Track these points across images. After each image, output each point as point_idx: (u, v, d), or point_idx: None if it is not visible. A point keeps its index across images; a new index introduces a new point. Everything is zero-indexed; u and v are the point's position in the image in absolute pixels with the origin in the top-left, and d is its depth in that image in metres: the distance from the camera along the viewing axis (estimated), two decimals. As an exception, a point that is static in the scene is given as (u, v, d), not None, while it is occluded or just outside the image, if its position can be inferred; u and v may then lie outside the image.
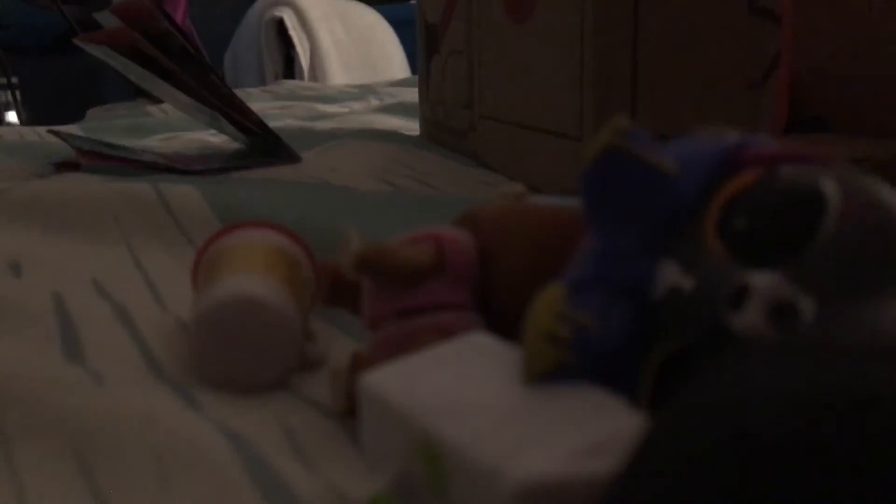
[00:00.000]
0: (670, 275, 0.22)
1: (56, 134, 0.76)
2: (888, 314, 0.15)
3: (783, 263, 0.20)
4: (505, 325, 0.28)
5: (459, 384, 0.23)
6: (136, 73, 0.69)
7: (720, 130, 0.24)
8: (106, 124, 1.09)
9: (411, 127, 1.00)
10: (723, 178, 0.23)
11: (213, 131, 1.01)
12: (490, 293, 0.29)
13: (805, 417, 0.12)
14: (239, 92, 1.45)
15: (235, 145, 0.84)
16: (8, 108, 2.36)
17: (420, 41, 0.90)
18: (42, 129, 1.05)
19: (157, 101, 1.61)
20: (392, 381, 0.24)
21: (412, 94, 1.45)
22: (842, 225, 0.20)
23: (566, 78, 0.50)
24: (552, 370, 0.22)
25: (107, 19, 0.68)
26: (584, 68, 0.47)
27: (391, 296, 0.28)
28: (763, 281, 0.20)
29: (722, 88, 0.47)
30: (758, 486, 0.12)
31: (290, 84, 1.74)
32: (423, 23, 0.89)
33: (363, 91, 1.55)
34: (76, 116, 1.64)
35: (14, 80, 1.74)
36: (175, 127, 1.07)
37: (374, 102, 1.39)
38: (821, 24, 0.53)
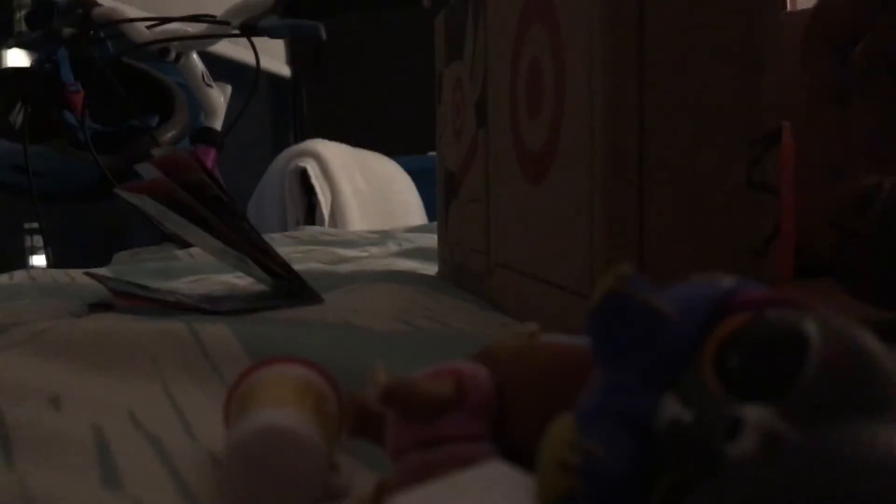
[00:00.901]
0: (671, 408, 0.24)
1: (91, 276, 0.80)
2: (864, 434, 0.17)
3: (773, 397, 0.22)
4: (520, 454, 0.30)
5: (478, 509, 0.25)
6: (171, 220, 0.73)
7: (714, 277, 0.27)
8: (134, 268, 1.13)
9: (429, 270, 1.03)
10: (717, 319, 0.25)
11: (239, 274, 1.05)
12: (506, 424, 0.31)
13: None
14: (264, 237, 1.50)
15: (260, 287, 0.88)
16: (34, 252, 2.43)
17: (439, 186, 0.95)
18: (74, 272, 1.09)
19: (183, 245, 1.67)
20: (415, 505, 0.25)
21: (429, 240, 1.50)
22: (823, 362, 0.22)
23: (577, 239, 0.53)
24: (565, 496, 0.24)
25: (147, 171, 0.73)
26: (594, 233, 0.51)
27: (414, 427, 0.30)
28: (755, 414, 0.22)
29: (726, 255, 0.51)
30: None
31: (311, 230, 1.80)
32: (443, 168, 0.94)
33: (382, 236, 1.60)
34: (102, 261, 1.69)
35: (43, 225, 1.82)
36: (202, 270, 1.11)
37: (393, 247, 1.44)
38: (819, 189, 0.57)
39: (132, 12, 1.86)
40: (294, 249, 1.37)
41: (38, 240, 2.36)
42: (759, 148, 0.51)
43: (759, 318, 0.24)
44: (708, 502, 0.16)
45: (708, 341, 0.25)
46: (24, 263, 2.32)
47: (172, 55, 1.86)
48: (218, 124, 1.99)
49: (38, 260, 2.40)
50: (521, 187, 0.64)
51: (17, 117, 1.72)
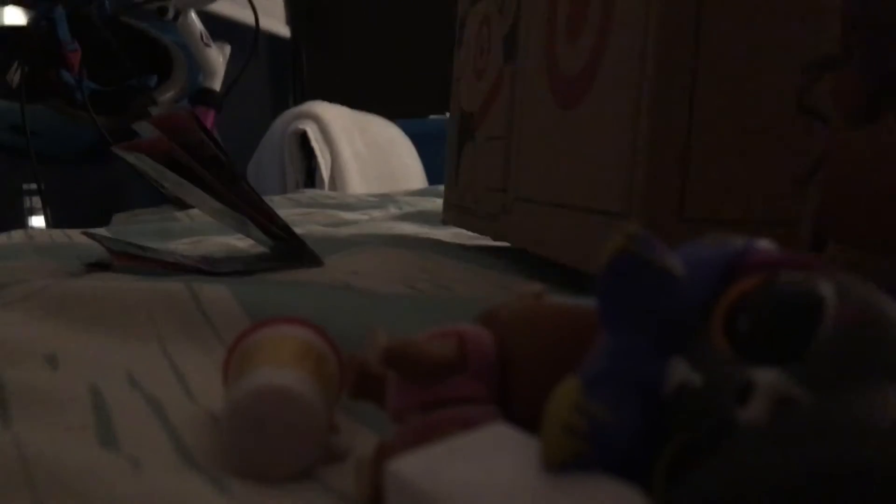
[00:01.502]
0: (680, 371, 0.24)
1: (89, 235, 0.79)
2: (877, 399, 0.17)
3: (785, 361, 0.22)
4: (523, 417, 0.30)
5: (482, 471, 0.24)
6: (170, 180, 0.73)
7: (724, 237, 0.26)
8: (133, 228, 1.13)
9: (430, 233, 1.03)
10: (728, 281, 0.24)
11: (238, 235, 1.04)
12: (509, 387, 0.30)
13: (802, 491, 0.14)
14: (263, 199, 1.49)
15: (260, 249, 0.87)
16: (33, 213, 2.42)
17: (452, 129, 0.95)
18: (72, 231, 1.09)
19: (182, 207, 1.66)
20: (417, 467, 0.25)
21: (430, 203, 1.49)
22: (837, 326, 0.22)
23: (615, 158, 0.52)
24: (569, 460, 0.24)
25: (146, 130, 0.72)
26: (637, 149, 0.50)
27: (415, 389, 0.30)
28: (767, 377, 0.22)
29: (768, 182, 0.49)
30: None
31: (311, 192, 1.79)
32: (458, 110, 0.94)
33: (383, 199, 1.60)
34: (101, 222, 1.68)
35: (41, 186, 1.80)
36: (201, 231, 1.10)
37: (394, 210, 1.43)
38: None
39: (130, -30, 1.84)
40: (294, 212, 1.36)
41: (36, 201, 2.35)
42: (814, 73, 0.49)
43: (771, 280, 0.24)
44: (718, 469, 0.16)
45: (719, 303, 0.24)
46: (23, 225, 2.31)
47: (171, 14, 1.83)
48: (217, 85, 1.97)
49: (38, 221, 2.39)
50: (551, 114, 0.64)
51: (14, 76, 1.70)
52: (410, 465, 0.25)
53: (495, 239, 0.77)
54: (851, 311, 0.22)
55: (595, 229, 0.55)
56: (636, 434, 0.24)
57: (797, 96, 0.50)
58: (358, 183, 2.36)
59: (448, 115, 1.03)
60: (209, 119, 1.94)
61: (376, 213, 1.38)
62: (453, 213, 0.91)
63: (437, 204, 1.43)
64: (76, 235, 1.05)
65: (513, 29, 0.77)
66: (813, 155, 0.50)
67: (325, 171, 2.32)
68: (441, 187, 1.96)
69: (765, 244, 0.26)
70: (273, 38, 3.28)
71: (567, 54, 0.62)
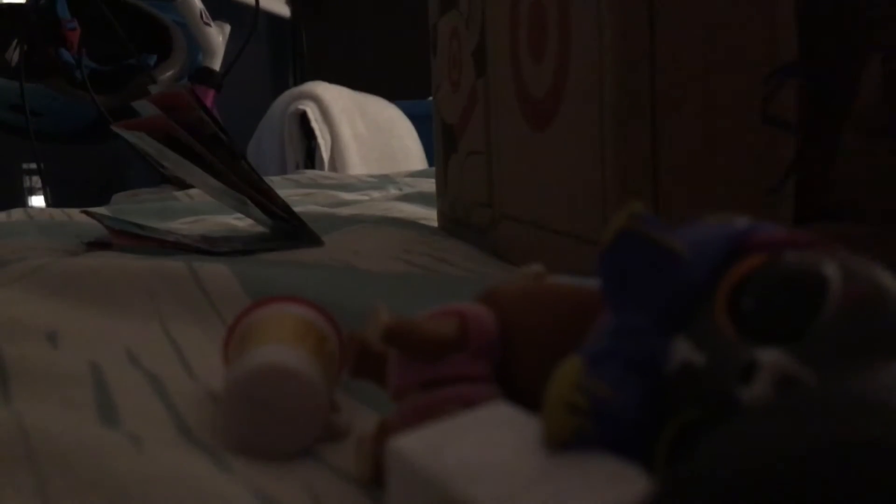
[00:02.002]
0: (683, 350, 0.24)
1: (89, 214, 0.79)
2: (882, 377, 0.16)
3: (788, 340, 0.22)
4: (524, 395, 0.30)
5: (483, 450, 0.24)
6: (170, 159, 0.72)
7: (729, 216, 0.26)
8: (133, 207, 1.12)
9: (430, 214, 1.02)
10: (731, 260, 0.24)
11: (238, 215, 1.04)
12: (509, 366, 0.30)
13: (807, 464, 0.14)
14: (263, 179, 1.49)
15: (260, 229, 0.87)
16: (33, 193, 2.42)
17: (437, 140, 0.93)
18: (72, 210, 1.09)
19: (182, 186, 1.66)
20: (418, 446, 0.25)
21: (430, 185, 1.48)
22: (841, 305, 0.21)
23: (587, 183, 0.52)
24: (571, 438, 0.24)
25: (145, 108, 0.72)
26: (606, 176, 0.50)
27: (416, 368, 0.30)
28: (770, 357, 0.21)
29: (741, 194, 0.49)
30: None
31: (311, 173, 1.79)
32: (440, 122, 0.92)
33: (382, 180, 1.59)
34: (100, 201, 1.68)
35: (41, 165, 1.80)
36: (201, 210, 1.10)
37: (394, 191, 1.42)
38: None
39: (129, -53, 1.82)
40: (294, 192, 1.36)
41: (36, 181, 2.35)
42: (775, 83, 0.49)
43: (775, 260, 0.24)
44: (721, 446, 0.16)
45: (722, 283, 0.24)
46: (23, 204, 2.31)
47: (170, -8, 1.82)
48: (216, 64, 1.96)
49: (38, 201, 2.39)
50: (525, 135, 0.63)
51: (13, 55, 1.69)
52: (411, 444, 0.25)
53: (488, 252, 0.76)
54: (855, 290, 0.22)
55: (575, 252, 0.55)
56: (638, 413, 0.24)
57: (761, 106, 0.49)
58: (358, 164, 2.35)
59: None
60: (209, 98, 1.94)
61: (376, 194, 1.37)
62: (448, 223, 0.90)
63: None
64: (76, 214, 1.05)
65: (480, 45, 0.75)
66: (783, 164, 0.50)
67: (324, 152, 2.31)
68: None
69: (769, 224, 0.25)
70: (273, 18, 3.26)
71: (533, 76, 0.61)
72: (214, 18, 1.96)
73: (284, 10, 3.36)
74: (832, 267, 0.22)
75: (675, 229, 0.25)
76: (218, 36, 1.95)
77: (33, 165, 2.18)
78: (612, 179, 0.49)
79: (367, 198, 1.31)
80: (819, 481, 0.13)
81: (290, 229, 0.78)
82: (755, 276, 0.23)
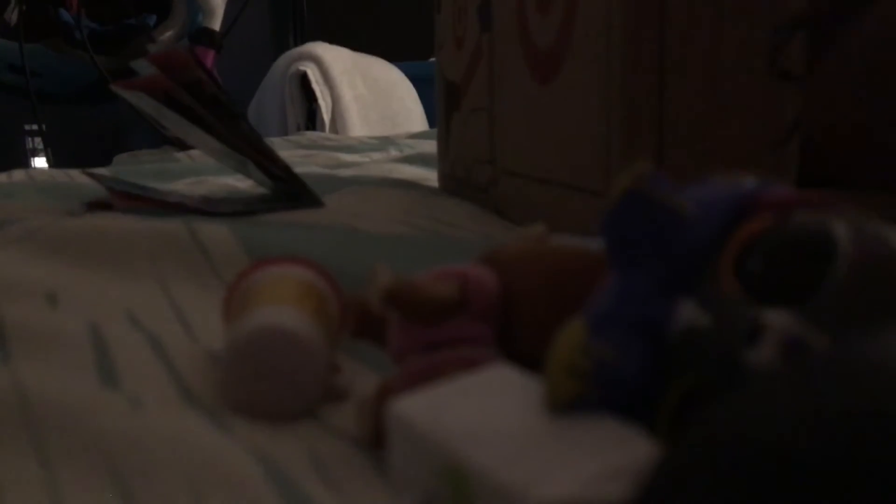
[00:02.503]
0: (688, 313, 0.23)
1: (89, 174, 0.78)
2: (894, 342, 0.16)
3: (797, 303, 0.21)
4: (525, 358, 0.29)
5: (484, 412, 0.24)
6: (169, 119, 0.72)
7: (736, 176, 0.25)
8: (133, 168, 1.12)
9: (431, 176, 1.02)
10: (739, 221, 0.24)
11: (239, 176, 1.03)
12: (511, 328, 0.30)
13: (821, 432, 0.13)
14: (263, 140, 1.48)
15: (261, 190, 0.86)
16: (36, 154, 2.41)
17: (439, 98, 0.92)
18: (73, 171, 1.08)
19: (183, 148, 1.65)
20: (419, 408, 0.25)
21: (431, 146, 1.47)
22: (852, 267, 0.21)
23: (592, 136, 0.51)
24: (573, 401, 0.24)
25: (143, 67, 0.71)
26: (611, 128, 0.49)
27: (417, 330, 0.30)
28: (777, 319, 0.21)
29: (745, 149, 0.49)
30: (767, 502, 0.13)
31: (312, 135, 1.78)
32: (442, 80, 0.91)
33: (383, 142, 1.58)
34: (102, 163, 1.67)
35: (43, 126, 1.79)
36: (201, 171, 1.09)
37: (394, 153, 1.41)
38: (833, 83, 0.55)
39: None
40: (294, 153, 1.35)
41: (38, 142, 2.34)
42: (784, 34, 0.48)
43: (784, 220, 0.23)
44: (732, 416, 0.15)
45: (729, 243, 0.24)
46: (26, 166, 2.30)
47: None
48: (216, 25, 1.94)
49: (40, 162, 2.38)
50: (530, 89, 0.62)
51: (12, 15, 1.68)
52: (412, 407, 0.25)
53: (489, 209, 0.75)
54: (867, 251, 0.21)
55: (579, 206, 0.54)
56: (641, 376, 0.23)
57: (769, 58, 0.48)
58: (359, 125, 2.34)
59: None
60: (209, 59, 1.92)
61: (377, 156, 1.36)
62: (449, 184, 0.89)
63: (436, 147, 1.41)
64: (77, 175, 1.04)
65: (485, 0, 0.74)
66: (789, 118, 0.49)
67: (325, 114, 2.29)
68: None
69: (778, 184, 0.25)
70: (273, -23, 3.22)
71: (539, 27, 0.60)
72: (214, -23, 1.94)
73: (285, -31, 3.31)
74: (843, 227, 0.22)
75: (681, 189, 0.25)
76: (218, -5, 1.93)
77: (35, 127, 2.17)
78: (617, 133, 0.48)
79: (367, 159, 1.30)
80: (841, 454, 0.13)
81: (290, 190, 0.77)
82: (763, 237, 0.23)
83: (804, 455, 0.13)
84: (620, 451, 0.22)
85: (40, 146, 2.31)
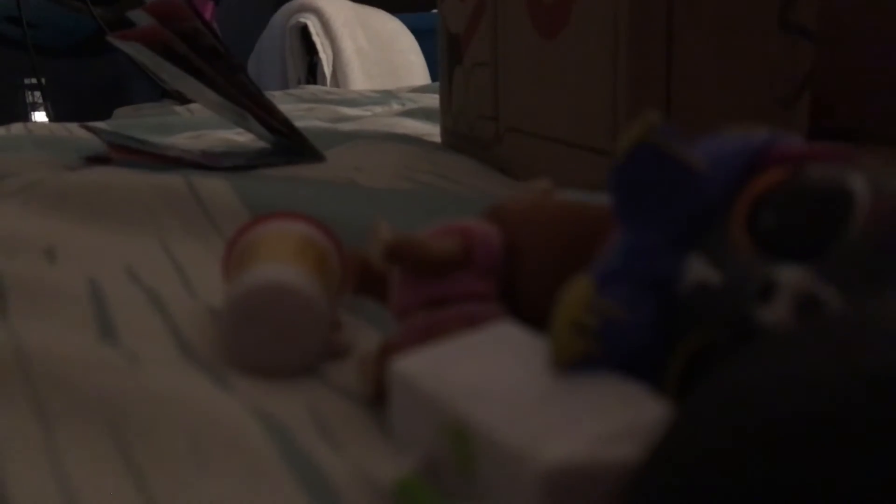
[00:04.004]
0: (698, 269, 0.23)
1: (88, 128, 0.77)
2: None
3: (811, 259, 0.21)
4: (529, 315, 0.29)
5: (488, 371, 0.24)
6: (167, 71, 0.70)
7: (749, 129, 0.24)
8: (133, 122, 1.10)
9: (433, 131, 1.00)
10: (751, 174, 0.23)
11: (239, 130, 1.02)
12: (515, 285, 0.29)
13: (837, 398, 0.13)
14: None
15: (261, 144, 0.85)
16: (35, 108, 2.39)
17: (442, 51, 0.91)
18: (71, 125, 1.07)
19: (183, 101, 1.63)
20: (422, 366, 0.24)
21: (433, 100, 1.46)
22: (870, 222, 0.20)
23: (598, 93, 0.50)
24: (579, 360, 0.23)
25: (140, 18, 0.69)
26: (618, 84, 0.48)
27: (419, 286, 0.29)
28: (791, 275, 0.20)
29: (754, 104, 0.48)
30: (792, 468, 0.13)
31: (312, 88, 1.76)
32: (445, 32, 0.89)
33: (385, 95, 1.56)
34: (102, 117, 1.66)
35: (42, 80, 1.77)
36: (201, 125, 1.08)
37: (396, 107, 1.40)
38: (851, 35, 0.53)
39: None
40: (295, 107, 1.33)
41: (38, 96, 2.31)
42: None
43: (798, 173, 0.22)
44: (741, 376, 0.15)
45: (741, 197, 0.23)
46: (25, 121, 2.28)
47: None
48: (215, -25, 1.91)
49: (40, 117, 2.36)
50: (534, 44, 0.61)
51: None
52: (415, 365, 0.24)
53: (492, 166, 0.74)
54: (885, 205, 0.20)
55: (584, 164, 0.53)
56: (649, 334, 0.23)
57: (779, 12, 0.47)
58: (360, 79, 2.31)
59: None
60: (208, 11, 1.89)
61: (378, 110, 1.35)
62: (451, 139, 0.87)
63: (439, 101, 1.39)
64: (75, 129, 1.03)
65: None
66: (799, 74, 0.48)
67: (326, 67, 2.27)
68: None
69: (792, 136, 0.24)
70: (273, -73, 3.16)
71: None
72: (212, -74, 1.90)
73: (284, -81, 3.25)
74: (859, 181, 0.21)
75: (692, 141, 0.24)
76: (216, -55, 1.90)
77: (34, 80, 2.14)
78: (624, 88, 0.47)
79: (369, 113, 1.28)
80: (861, 417, 0.12)
81: (291, 145, 0.76)
82: (776, 191, 0.22)
83: (824, 418, 0.13)
84: (628, 410, 0.21)
85: (40, 100, 2.29)
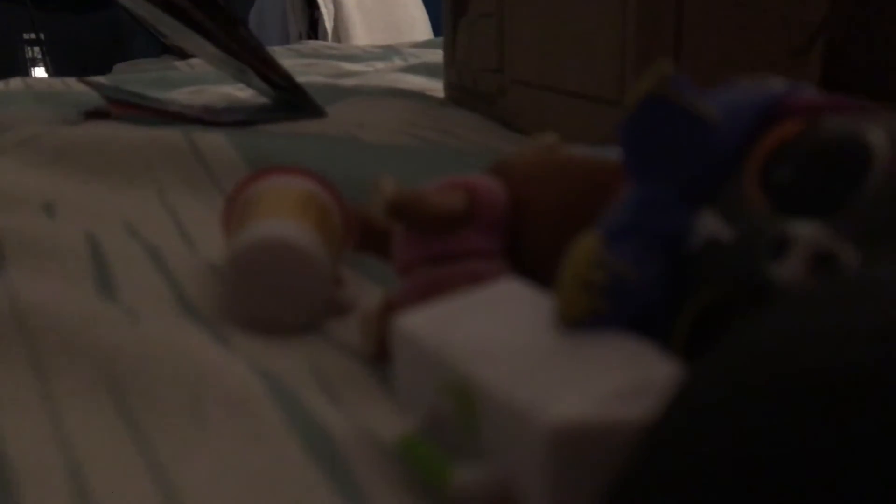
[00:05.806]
0: (709, 225, 0.22)
1: (86, 83, 0.76)
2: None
3: (827, 214, 0.20)
4: (535, 272, 0.28)
5: (492, 328, 0.23)
6: (166, 24, 0.69)
7: (763, 79, 0.24)
8: (133, 77, 1.09)
9: (435, 87, 0.99)
10: (765, 127, 0.22)
11: (239, 85, 1.01)
12: (521, 241, 0.29)
13: (854, 355, 0.12)
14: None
15: (262, 99, 0.84)
16: (35, 64, 2.36)
17: (445, 4, 0.89)
18: (70, 80, 1.06)
19: (183, 56, 1.61)
20: (426, 324, 0.24)
21: (436, 55, 1.44)
22: (888, 175, 0.20)
23: (606, 42, 0.49)
24: (586, 317, 0.22)
25: (138, -32, 0.68)
26: (627, 33, 0.47)
27: (422, 242, 0.28)
28: (805, 231, 0.20)
29: (766, 55, 0.47)
30: (809, 425, 0.12)
31: (314, 44, 1.74)
32: None
33: (387, 51, 1.54)
34: (102, 72, 1.64)
35: (41, 35, 1.75)
36: (202, 80, 1.07)
37: (398, 62, 1.38)
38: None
39: None
40: (296, 62, 1.32)
41: (37, 51, 2.29)
42: None
43: (814, 126, 0.22)
44: (757, 333, 0.14)
45: (754, 151, 0.22)
46: (25, 75, 2.26)
47: None
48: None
49: (40, 72, 2.34)
50: None
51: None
52: (418, 322, 0.24)
53: (496, 120, 0.73)
54: (904, 159, 0.20)
55: (592, 116, 0.52)
56: (659, 292, 0.22)
57: None
58: (362, 34, 2.28)
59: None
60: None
61: (380, 65, 1.33)
62: (455, 94, 0.86)
63: (442, 56, 1.38)
64: (74, 84, 1.02)
65: None
66: (812, 24, 0.46)
67: (328, 22, 2.24)
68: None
69: (807, 87, 0.23)
70: None
71: None
72: None
73: None
74: (878, 133, 0.20)
75: (704, 93, 0.23)
76: None
77: (33, 35, 2.12)
78: (634, 38, 0.46)
79: (371, 69, 1.27)
80: (881, 376, 0.12)
81: (292, 100, 0.75)
82: (791, 144, 0.22)
83: (841, 375, 0.12)
84: (637, 368, 0.21)
85: (39, 55, 2.26)
